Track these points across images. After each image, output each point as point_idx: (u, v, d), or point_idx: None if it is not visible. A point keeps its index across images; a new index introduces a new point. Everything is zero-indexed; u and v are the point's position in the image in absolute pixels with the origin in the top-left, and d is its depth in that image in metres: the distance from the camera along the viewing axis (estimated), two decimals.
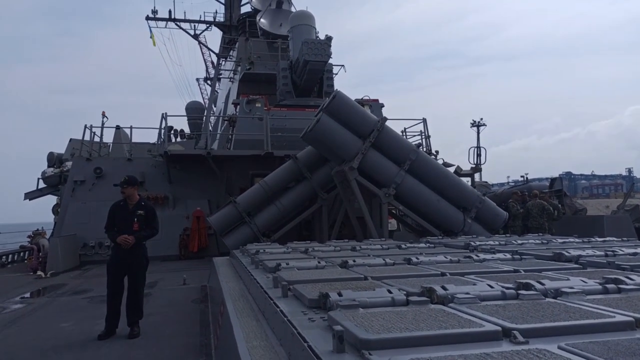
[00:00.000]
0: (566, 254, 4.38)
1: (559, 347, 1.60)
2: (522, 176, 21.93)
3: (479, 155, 20.25)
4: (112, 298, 5.71)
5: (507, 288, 2.62)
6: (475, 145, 21.13)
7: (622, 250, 4.53)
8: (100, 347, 5.12)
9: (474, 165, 16.04)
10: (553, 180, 16.17)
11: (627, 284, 2.67)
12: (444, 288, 2.57)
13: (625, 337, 1.74)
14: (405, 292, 2.61)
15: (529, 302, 2.30)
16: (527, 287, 2.64)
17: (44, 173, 18.88)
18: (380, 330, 1.85)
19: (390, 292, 2.59)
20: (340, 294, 2.53)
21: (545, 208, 12.18)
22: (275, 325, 2.58)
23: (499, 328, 1.85)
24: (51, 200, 20.05)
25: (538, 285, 2.64)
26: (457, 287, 2.66)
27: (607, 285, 2.63)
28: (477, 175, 18.80)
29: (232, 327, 2.90)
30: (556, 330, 1.86)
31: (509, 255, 4.54)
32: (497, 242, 6.16)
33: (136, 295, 5.85)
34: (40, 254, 12.63)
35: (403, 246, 6.13)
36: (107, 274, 5.82)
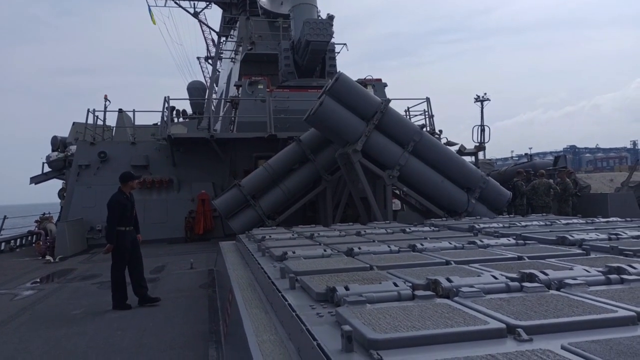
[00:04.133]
0: (570, 237, 4.42)
1: (562, 347, 1.64)
2: (525, 153, 21.92)
3: (483, 131, 20.18)
4: (123, 283, 6.50)
5: (512, 279, 2.66)
6: (479, 123, 21.02)
7: (626, 233, 4.57)
8: (113, 335, 5.24)
9: (477, 144, 15.99)
10: (557, 157, 16.14)
11: (629, 274, 2.71)
12: (448, 280, 2.61)
13: (628, 334, 1.78)
14: (410, 285, 2.66)
15: (532, 296, 2.35)
16: (531, 278, 2.68)
17: (48, 157, 18.96)
18: (388, 329, 1.90)
19: (396, 285, 2.64)
20: (347, 288, 2.58)
21: (552, 187, 12.19)
22: (284, 319, 2.64)
23: (504, 325, 1.89)
24: (57, 183, 20.22)
25: (542, 276, 2.68)
26: (462, 278, 2.70)
27: (610, 276, 2.67)
28: (480, 153, 18.78)
29: (241, 319, 2.97)
30: (559, 326, 1.91)
31: (512, 240, 4.58)
32: (501, 225, 6.19)
33: (142, 271, 6.76)
34: (48, 238, 12.79)
35: (407, 230, 6.18)
36: (119, 258, 6.50)
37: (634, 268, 2.81)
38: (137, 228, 6.91)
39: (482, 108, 26.27)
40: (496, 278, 2.72)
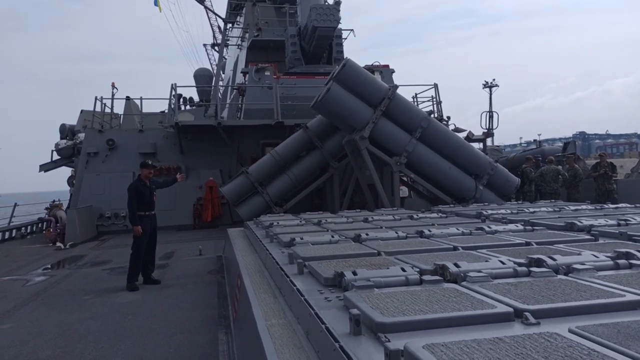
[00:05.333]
0: (578, 223, 4.40)
1: (570, 330, 1.65)
2: (534, 140, 21.76)
3: (491, 117, 20.05)
4: (141, 259, 7.02)
5: (519, 264, 2.67)
6: (488, 109, 20.86)
7: (635, 219, 4.54)
8: (124, 319, 5.32)
9: (485, 130, 15.89)
10: (566, 143, 16.01)
11: (638, 259, 2.70)
12: (456, 265, 2.62)
13: (636, 317, 1.78)
14: (418, 270, 2.67)
15: (540, 280, 2.35)
16: (539, 263, 2.68)
17: (57, 145, 19.09)
18: (396, 313, 1.91)
19: (404, 270, 2.65)
20: (355, 273, 2.60)
21: (561, 173, 12.12)
22: (293, 304, 2.66)
23: (511, 309, 1.90)
24: (66, 170, 20.38)
25: (550, 261, 2.68)
26: (470, 264, 2.71)
27: (619, 261, 2.67)
28: (489, 140, 18.66)
29: (250, 304, 3.00)
30: (567, 310, 1.91)
31: (520, 226, 4.57)
32: (509, 211, 6.18)
33: (154, 253, 7.38)
34: (59, 225, 12.93)
35: (415, 217, 6.18)
36: (138, 241, 6.98)
37: None
38: (169, 182, 8.04)
39: (490, 94, 25.95)
40: (504, 263, 2.73)
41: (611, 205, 6.50)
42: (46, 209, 14.67)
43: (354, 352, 1.68)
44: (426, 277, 2.50)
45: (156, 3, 27.02)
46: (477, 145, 15.24)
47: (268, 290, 3.31)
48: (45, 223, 14.72)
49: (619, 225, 4.30)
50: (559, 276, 2.47)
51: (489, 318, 1.87)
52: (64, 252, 10.89)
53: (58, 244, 11.83)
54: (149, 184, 7.22)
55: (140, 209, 7.01)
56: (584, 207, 6.55)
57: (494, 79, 25.73)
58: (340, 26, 15.50)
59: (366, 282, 2.41)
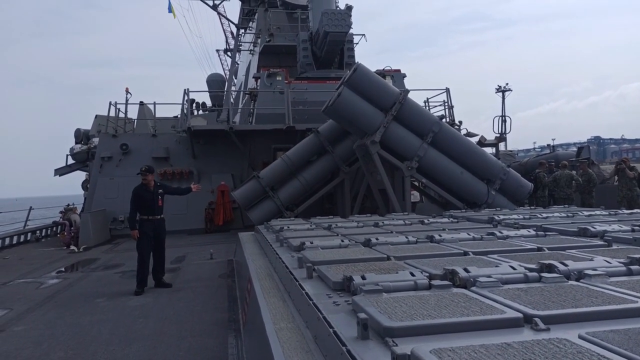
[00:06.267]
0: (591, 229, 4.35)
1: (580, 337, 1.63)
2: (548, 145, 21.54)
3: (504, 121, 19.89)
4: (146, 262, 7.01)
5: (530, 270, 2.64)
6: (500, 113, 20.71)
7: None
8: (135, 322, 5.36)
9: (498, 135, 15.78)
10: (580, 148, 15.84)
11: None
12: (466, 270, 2.60)
13: None
14: (427, 275, 2.66)
15: (551, 286, 2.32)
16: (550, 268, 2.65)
17: (72, 149, 19.33)
18: (404, 317, 1.90)
19: (413, 274, 2.64)
20: (364, 277, 2.59)
21: (574, 179, 11.98)
22: (301, 307, 2.66)
23: (520, 315, 1.88)
24: (80, 175, 20.62)
25: (561, 267, 2.65)
26: (480, 269, 2.69)
27: (632, 267, 2.63)
28: (502, 144, 18.53)
29: (259, 307, 3.00)
30: (578, 316, 1.89)
31: (532, 232, 4.52)
32: (521, 216, 6.11)
33: (163, 257, 7.34)
34: (73, 228, 13.07)
35: (426, 221, 6.15)
36: (139, 244, 7.02)
37: None
38: (183, 191, 8.10)
39: (503, 98, 25.78)
40: (514, 268, 2.70)
41: (625, 211, 6.41)
42: (61, 212, 14.84)
43: (361, 356, 1.68)
44: (435, 282, 2.49)
45: (170, 9, 27.35)
46: (489, 150, 15.13)
47: (277, 294, 3.32)
48: (59, 226, 14.88)
49: (633, 230, 4.24)
50: (570, 282, 2.44)
51: (497, 323, 1.85)
52: (77, 255, 11.01)
53: (72, 247, 11.97)
54: (152, 188, 7.24)
55: (142, 212, 7.08)
56: (597, 212, 6.47)
57: (507, 84, 25.58)
58: (351, 31, 15.52)
59: (375, 286, 2.40)
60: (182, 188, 8.19)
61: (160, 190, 7.36)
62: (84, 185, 19.35)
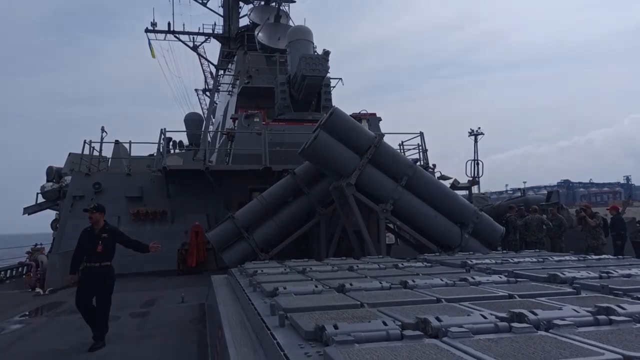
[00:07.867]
0: (561, 275, 4.43)
1: None
2: (519, 188, 22.06)
3: (477, 165, 20.35)
4: (85, 314, 6.34)
5: (501, 319, 2.66)
6: (473, 156, 21.21)
7: (617, 272, 4.58)
8: None
9: (471, 178, 16.11)
10: (550, 192, 16.25)
11: (618, 314, 2.72)
12: (438, 319, 2.61)
13: None
14: (400, 324, 2.65)
15: (521, 337, 2.35)
16: (520, 318, 2.69)
17: (42, 188, 18.94)
18: None
19: (385, 324, 2.63)
20: (336, 327, 2.57)
21: (545, 223, 12.23)
22: (272, 359, 2.62)
23: None
24: (50, 213, 20.10)
25: (531, 316, 2.68)
26: (451, 317, 2.70)
27: (599, 317, 2.68)
28: (475, 187, 18.89)
29: (229, 357, 2.94)
30: None
31: (504, 277, 4.58)
32: (493, 261, 6.19)
33: (103, 311, 6.37)
34: (39, 270, 12.63)
35: (400, 265, 6.16)
36: (76, 293, 6.38)
37: (623, 308, 2.82)
38: (140, 247, 6.82)
39: (475, 142, 26.54)
40: (485, 318, 2.72)
41: (594, 257, 6.55)
42: (27, 252, 14.37)
43: None
44: (407, 332, 2.49)
45: (151, 49, 27.65)
46: (462, 193, 15.41)
47: (249, 342, 3.26)
48: (25, 267, 14.38)
49: (600, 277, 4.33)
50: (540, 332, 2.47)
51: None
52: (42, 298, 10.60)
53: (37, 289, 11.52)
54: (96, 231, 6.46)
55: (87, 258, 6.37)
56: (567, 257, 6.59)
57: (479, 127, 26.38)
58: (328, 75, 15.89)
59: (347, 336, 2.38)
60: (140, 244, 6.86)
61: (104, 235, 6.46)
62: (54, 224, 18.86)
